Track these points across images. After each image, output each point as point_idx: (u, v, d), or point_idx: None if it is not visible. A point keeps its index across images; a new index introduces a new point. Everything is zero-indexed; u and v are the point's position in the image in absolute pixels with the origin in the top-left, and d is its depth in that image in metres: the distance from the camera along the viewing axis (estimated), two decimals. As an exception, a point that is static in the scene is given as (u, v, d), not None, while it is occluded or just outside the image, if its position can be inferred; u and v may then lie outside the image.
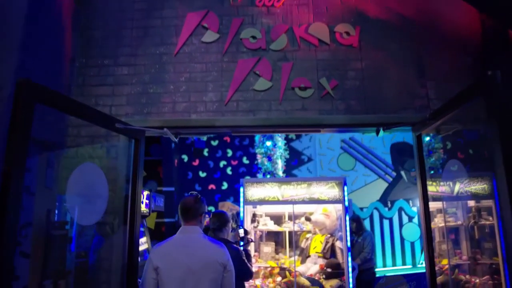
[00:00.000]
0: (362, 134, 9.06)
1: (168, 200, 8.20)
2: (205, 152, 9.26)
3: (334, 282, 4.67)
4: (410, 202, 8.76)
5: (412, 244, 8.57)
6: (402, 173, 8.98)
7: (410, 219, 8.67)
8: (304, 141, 9.12)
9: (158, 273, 2.31)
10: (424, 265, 8.39)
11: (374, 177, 8.95)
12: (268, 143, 6.10)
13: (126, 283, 3.03)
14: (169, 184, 8.25)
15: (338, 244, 5.00)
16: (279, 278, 4.89)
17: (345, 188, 4.83)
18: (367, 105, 3.33)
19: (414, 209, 8.74)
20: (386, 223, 8.59)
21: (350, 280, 4.65)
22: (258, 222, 5.17)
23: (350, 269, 4.68)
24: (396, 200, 8.76)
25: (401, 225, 8.62)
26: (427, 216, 3.03)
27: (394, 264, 8.47)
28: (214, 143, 9.24)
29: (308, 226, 5.57)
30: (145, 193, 3.83)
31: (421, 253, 8.55)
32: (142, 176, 3.22)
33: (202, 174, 9.17)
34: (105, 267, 3.06)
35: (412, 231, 8.65)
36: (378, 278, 6.48)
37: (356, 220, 6.36)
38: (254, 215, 5.15)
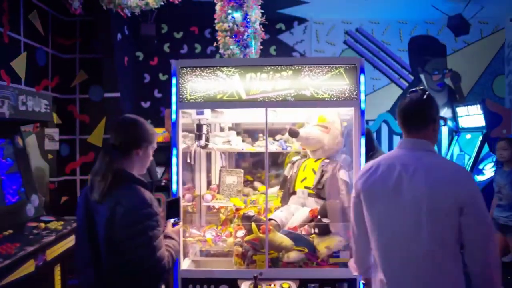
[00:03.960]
0: (372, 24, 6.52)
1: (111, 109, 5.89)
2: (166, 48, 6.73)
3: (333, 241, 2.54)
4: (429, 114, 6.51)
5: (426, 165, 6.49)
6: (422, 76, 6.58)
7: (427, 135, 6.49)
8: (296, 33, 6.55)
9: (361, 201, 1.63)
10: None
11: (386, 81, 6.56)
12: (237, 15, 3.63)
13: None
14: (114, 88, 5.87)
15: (342, 175, 2.83)
16: (241, 232, 2.76)
17: (362, 77, 2.50)
18: None
19: (433, 122, 6.51)
20: (396, 140, 6.43)
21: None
22: (207, 140, 2.91)
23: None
24: (411, 111, 6.49)
25: (414, 142, 6.45)
26: None
27: (402, 190, 6.47)
28: (178, 35, 6.68)
29: (294, 145, 3.35)
30: None
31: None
32: None
33: (163, 77, 6.73)
34: None
35: (428, 150, 6.52)
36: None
37: (365, 135, 4.15)
38: (199, 128, 2.86)
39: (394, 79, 6.51)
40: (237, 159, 4.32)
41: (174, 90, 2.55)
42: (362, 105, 2.47)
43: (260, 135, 3.51)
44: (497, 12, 6.24)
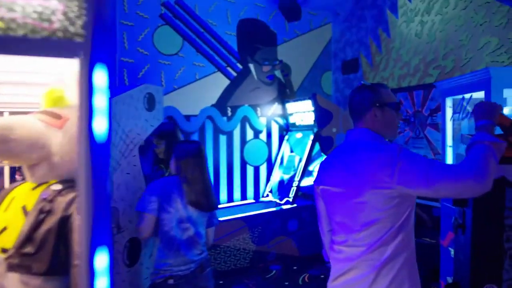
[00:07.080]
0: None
1: None
2: None
3: None
4: (259, 110, 5.54)
5: (256, 169, 5.52)
6: (251, 66, 5.56)
7: (256, 134, 5.51)
8: (93, -6, 4.68)
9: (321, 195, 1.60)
10: (269, 198, 5.26)
11: (211, 69, 5.26)
12: None
13: None
14: None
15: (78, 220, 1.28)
16: None
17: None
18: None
19: (263, 120, 5.57)
20: (222, 139, 5.22)
21: None
22: None
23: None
24: (240, 106, 5.40)
25: (243, 142, 5.40)
26: None
27: (231, 199, 5.32)
28: None
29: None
30: None
31: (267, 183, 5.60)
32: None
33: None
34: None
35: (258, 151, 5.55)
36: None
37: (166, 135, 2.65)
38: None
39: (221, 67, 5.29)
40: None
41: None
42: (99, 54, 0.93)
43: None
44: (325, 4, 5.69)
